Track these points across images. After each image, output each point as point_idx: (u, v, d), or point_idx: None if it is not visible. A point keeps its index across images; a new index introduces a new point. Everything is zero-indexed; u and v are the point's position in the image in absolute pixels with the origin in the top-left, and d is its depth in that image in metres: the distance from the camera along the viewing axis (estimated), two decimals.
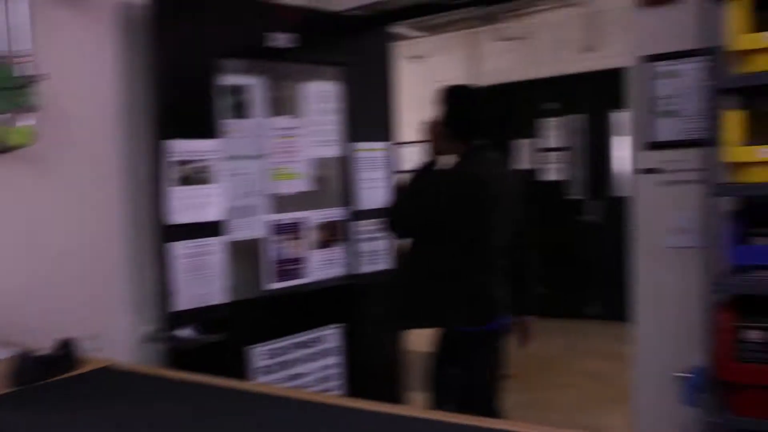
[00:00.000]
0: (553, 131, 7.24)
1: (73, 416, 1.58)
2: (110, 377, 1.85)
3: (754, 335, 2.42)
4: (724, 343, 2.43)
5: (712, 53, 2.26)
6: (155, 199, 2.49)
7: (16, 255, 2.25)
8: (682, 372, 2.89)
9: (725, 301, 2.49)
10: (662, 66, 2.68)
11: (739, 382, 2.43)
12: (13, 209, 2.25)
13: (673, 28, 2.64)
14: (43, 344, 1.94)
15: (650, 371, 3.01)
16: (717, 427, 2.49)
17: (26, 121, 2.13)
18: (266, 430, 1.47)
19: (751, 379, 2.40)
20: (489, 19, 7.07)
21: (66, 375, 1.85)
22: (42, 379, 1.80)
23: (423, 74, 7.61)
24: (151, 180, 2.50)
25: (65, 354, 1.87)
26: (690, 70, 2.63)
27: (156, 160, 2.47)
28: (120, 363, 1.98)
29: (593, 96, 6.78)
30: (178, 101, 2.52)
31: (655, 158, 2.79)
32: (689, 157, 2.70)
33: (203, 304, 2.59)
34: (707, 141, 2.33)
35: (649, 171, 2.81)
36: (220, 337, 2.58)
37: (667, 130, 2.73)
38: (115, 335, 2.49)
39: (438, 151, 2.72)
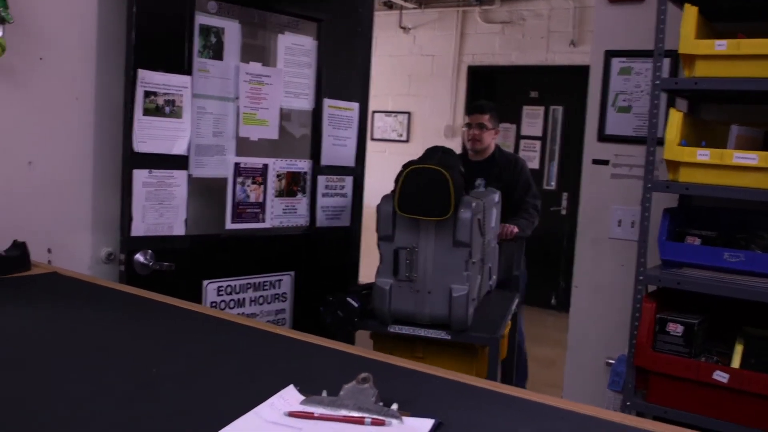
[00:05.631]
0: (534, 120, 7.36)
1: (15, 310, 1.70)
2: (57, 281, 1.97)
3: (672, 328, 2.56)
4: (645, 333, 2.57)
5: (663, 54, 2.38)
6: (123, 125, 2.57)
7: None
8: (611, 358, 3.03)
9: (652, 294, 2.63)
10: (619, 62, 2.80)
11: (654, 371, 2.57)
12: None
13: (633, 27, 2.75)
14: (1, 246, 2.05)
15: (582, 357, 3.14)
16: (632, 412, 2.64)
17: None
18: (201, 344, 1.58)
19: (665, 368, 2.54)
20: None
21: (16, 274, 1.97)
22: None
23: (408, 46, 7.67)
24: (121, 107, 2.58)
25: (18, 255, 1.98)
26: (645, 69, 2.75)
27: (127, 88, 2.55)
28: (68, 271, 2.09)
29: (573, 89, 6.90)
30: (154, 33, 2.60)
31: (605, 150, 2.92)
32: (637, 153, 2.83)
33: (161, 234, 2.69)
34: (650, 138, 2.46)
35: (599, 162, 2.94)
36: (175, 266, 2.68)
37: (618, 124, 2.85)
38: (71, 251, 2.57)
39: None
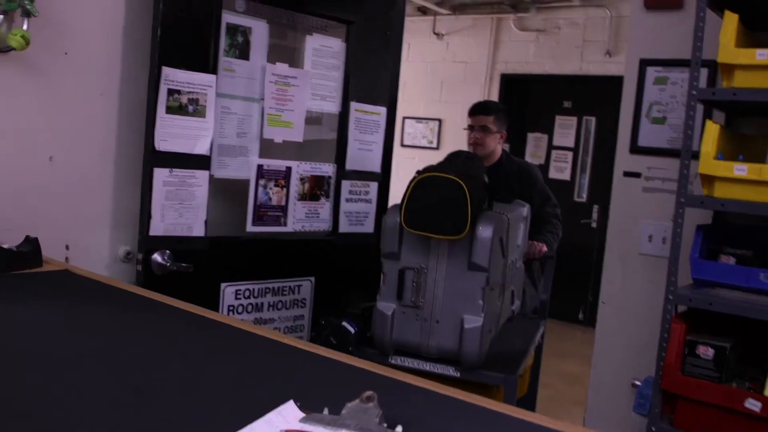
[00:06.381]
0: (566, 130, 7.25)
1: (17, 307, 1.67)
2: (66, 279, 1.94)
3: (703, 351, 2.45)
4: (674, 355, 2.47)
5: (700, 63, 2.29)
6: (145, 123, 2.55)
7: (3, 155, 2.32)
8: (637, 380, 2.93)
9: (682, 314, 2.53)
10: (655, 71, 2.71)
11: (682, 395, 2.47)
12: (2, 110, 2.29)
13: (670, 35, 2.66)
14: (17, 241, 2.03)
15: (607, 376, 3.04)
16: None
17: (20, 26, 2.19)
18: (204, 351, 1.54)
19: (693, 393, 2.44)
20: (514, 7, 7.06)
21: (28, 270, 1.94)
22: (4, 270, 1.89)
23: (442, 52, 7.60)
24: (144, 104, 2.55)
25: (29, 251, 1.95)
26: (682, 79, 2.66)
27: (151, 85, 2.52)
28: (78, 269, 2.06)
29: (607, 99, 6.79)
30: (180, 30, 2.57)
31: (637, 163, 2.82)
32: (670, 166, 2.73)
33: (180, 234, 2.66)
34: (684, 151, 2.36)
35: (630, 174, 2.85)
36: (193, 267, 2.64)
37: (652, 136, 2.76)
38: (89, 248, 2.55)
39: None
